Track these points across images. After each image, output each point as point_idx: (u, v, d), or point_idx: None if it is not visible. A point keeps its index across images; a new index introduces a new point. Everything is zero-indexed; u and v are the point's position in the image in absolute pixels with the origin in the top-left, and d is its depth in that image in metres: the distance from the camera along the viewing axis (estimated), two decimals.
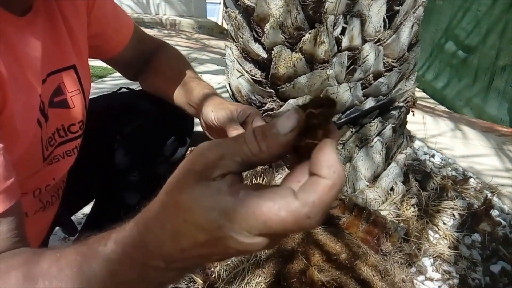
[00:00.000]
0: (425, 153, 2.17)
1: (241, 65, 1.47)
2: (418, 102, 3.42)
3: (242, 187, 0.34)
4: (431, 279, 1.32)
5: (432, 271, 1.35)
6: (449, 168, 2.03)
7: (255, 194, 0.32)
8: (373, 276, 1.25)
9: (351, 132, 1.43)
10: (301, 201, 0.31)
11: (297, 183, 0.33)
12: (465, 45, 3.38)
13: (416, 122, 2.66)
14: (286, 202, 0.31)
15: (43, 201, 0.80)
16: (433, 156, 2.15)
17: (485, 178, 1.98)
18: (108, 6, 0.91)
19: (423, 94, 3.87)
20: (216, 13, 7.33)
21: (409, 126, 2.33)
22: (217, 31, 6.25)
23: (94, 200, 1.16)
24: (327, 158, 0.31)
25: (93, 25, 0.86)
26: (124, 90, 1.12)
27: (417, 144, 2.32)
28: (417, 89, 4.10)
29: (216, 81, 3.31)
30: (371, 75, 1.40)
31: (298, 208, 0.31)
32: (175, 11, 6.81)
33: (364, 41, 1.35)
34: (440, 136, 2.50)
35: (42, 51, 0.67)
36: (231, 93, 1.58)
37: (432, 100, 3.70)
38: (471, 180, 1.88)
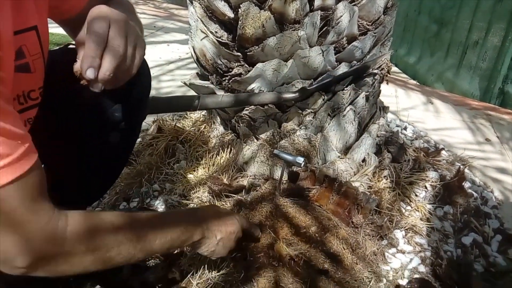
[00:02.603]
0: (397, 126, 2.12)
1: (205, 26, 1.35)
2: (391, 76, 3.39)
3: None
4: (403, 252, 1.28)
5: (404, 243, 1.31)
6: (421, 141, 1.99)
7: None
8: (344, 249, 1.19)
9: (323, 100, 1.35)
10: None
11: None
12: (439, 18, 3.34)
13: (389, 95, 2.62)
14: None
15: None
16: (405, 128, 2.11)
17: (457, 151, 1.96)
18: None
19: (395, 69, 3.83)
20: None
21: (381, 99, 2.28)
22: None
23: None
24: None
25: None
26: (72, 46, 1.00)
27: (389, 116, 2.27)
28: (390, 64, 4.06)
29: (184, 51, 3.17)
30: (344, 38, 1.31)
31: None
32: None
33: (338, 0, 1.25)
34: (412, 109, 2.46)
35: (10, 8, 0.61)
36: (195, 57, 1.46)
37: (404, 75, 3.67)
38: (443, 152, 1.85)
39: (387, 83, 1.56)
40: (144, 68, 0.98)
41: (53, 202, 0.65)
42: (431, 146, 1.96)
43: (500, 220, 1.49)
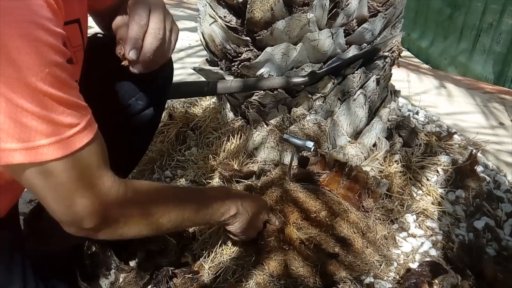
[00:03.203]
0: (409, 110, 2.10)
1: (214, 10, 1.34)
2: (403, 60, 3.34)
3: None
4: (414, 236, 1.28)
5: (415, 227, 1.30)
6: (433, 125, 1.97)
7: None
8: (354, 233, 1.19)
9: (333, 83, 1.34)
10: None
11: None
12: (452, 1, 3.26)
13: (400, 80, 2.58)
14: None
15: None
16: (417, 113, 2.09)
17: (470, 135, 1.93)
18: None
19: (407, 54, 3.78)
20: None
21: (392, 83, 2.25)
22: None
23: None
24: None
25: None
26: (100, 35, 1.03)
27: (401, 101, 2.25)
28: (402, 48, 4.00)
29: (193, 38, 3.16)
30: (354, 20, 1.29)
31: None
32: None
33: None
34: (425, 94, 2.42)
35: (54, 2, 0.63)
36: (204, 43, 1.46)
37: (416, 60, 3.61)
38: (456, 136, 1.82)
39: (398, 67, 1.55)
40: None
41: None
42: (443, 131, 1.93)
43: None
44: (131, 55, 0.70)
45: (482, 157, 1.73)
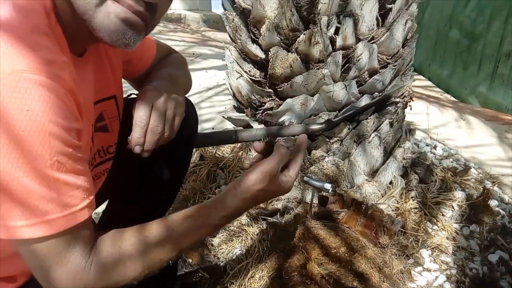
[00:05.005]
0: (427, 145, 2.19)
1: (240, 66, 1.51)
2: (423, 91, 3.43)
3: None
4: (429, 270, 1.36)
5: (430, 262, 1.39)
6: (451, 159, 2.05)
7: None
8: (372, 268, 1.29)
9: (348, 129, 1.47)
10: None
11: None
12: (469, 32, 3.36)
13: (420, 113, 2.68)
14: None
15: None
16: (435, 147, 2.17)
17: (487, 167, 2.00)
18: None
19: (428, 83, 3.86)
20: (221, 6, 7.35)
21: (412, 117, 2.35)
22: (223, 24, 6.28)
23: (107, 200, 1.24)
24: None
25: (123, 54, 0.96)
26: (133, 96, 1.19)
27: (420, 135, 2.34)
28: (422, 77, 4.10)
29: (221, 77, 3.35)
30: (366, 72, 1.43)
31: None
32: (181, 5, 6.84)
33: (358, 39, 1.38)
34: (444, 127, 2.51)
35: (93, 84, 0.80)
36: (231, 93, 1.63)
37: (438, 89, 3.69)
38: (472, 170, 1.90)
39: (411, 109, 1.66)
40: (189, 108, 1.15)
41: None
42: (460, 165, 2.01)
43: None
44: (136, 150, 0.86)
45: (498, 191, 1.80)
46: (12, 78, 0.58)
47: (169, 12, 6.38)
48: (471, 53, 3.34)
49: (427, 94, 3.31)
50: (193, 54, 4.10)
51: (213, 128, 2.38)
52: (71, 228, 0.64)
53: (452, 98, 3.40)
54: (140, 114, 0.86)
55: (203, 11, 6.81)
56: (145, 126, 0.86)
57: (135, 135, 0.86)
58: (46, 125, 0.61)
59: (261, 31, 1.38)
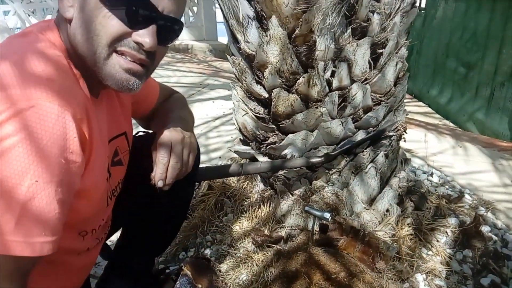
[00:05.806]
0: (424, 172, 2.30)
1: (245, 104, 1.65)
2: (422, 118, 3.55)
3: None
4: None
5: (424, 286, 1.48)
6: (446, 186, 2.16)
7: None
8: None
9: (346, 161, 1.59)
10: None
11: None
12: (465, 61, 3.50)
13: (418, 141, 2.80)
14: None
15: (99, 238, 1.06)
16: (431, 174, 2.28)
17: (483, 193, 2.10)
18: None
19: (428, 109, 3.99)
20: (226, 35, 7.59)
21: (410, 145, 2.47)
22: (229, 53, 6.49)
23: (121, 229, 1.36)
24: None
25: (132, 96, 1.11)
26: (141, 133, 1.32)
27: (417, 162, 2.45)
28: (422, 104, 4.22)
29: (227, 106, 3.50)
30: (360, 110, 1.56)
31: None
32: (188, 36, 7.10)
33: (352, 81, 1.52)
34: (441, 154, 2.62)
35: (107, 122, 0.93)
36: (238, 129, 1.76)
37: (437, 115, 3.81)
38: (467, 197, 2.00)
39: (405, 141, 1.78)
40: None
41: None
42: (455, 191, 2.11)
43: None
44: (159, 184, 1.00)
45: (491, 217, 1.90)
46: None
47: (176, 42, 6.63)
48: (468, 81, 3.48)
49: (425, 121, 3.43)
50: (201, 84, 4.28)
51: (220, 157, 2.51)
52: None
53: (451, 125, 3.52)
54: (162, 153, 1.00)
55: (210, 41, 7.06)
56: (167, 163, 1.00)
57: (158, 171, 0.99)
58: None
59: (264, 74, 1.52)
